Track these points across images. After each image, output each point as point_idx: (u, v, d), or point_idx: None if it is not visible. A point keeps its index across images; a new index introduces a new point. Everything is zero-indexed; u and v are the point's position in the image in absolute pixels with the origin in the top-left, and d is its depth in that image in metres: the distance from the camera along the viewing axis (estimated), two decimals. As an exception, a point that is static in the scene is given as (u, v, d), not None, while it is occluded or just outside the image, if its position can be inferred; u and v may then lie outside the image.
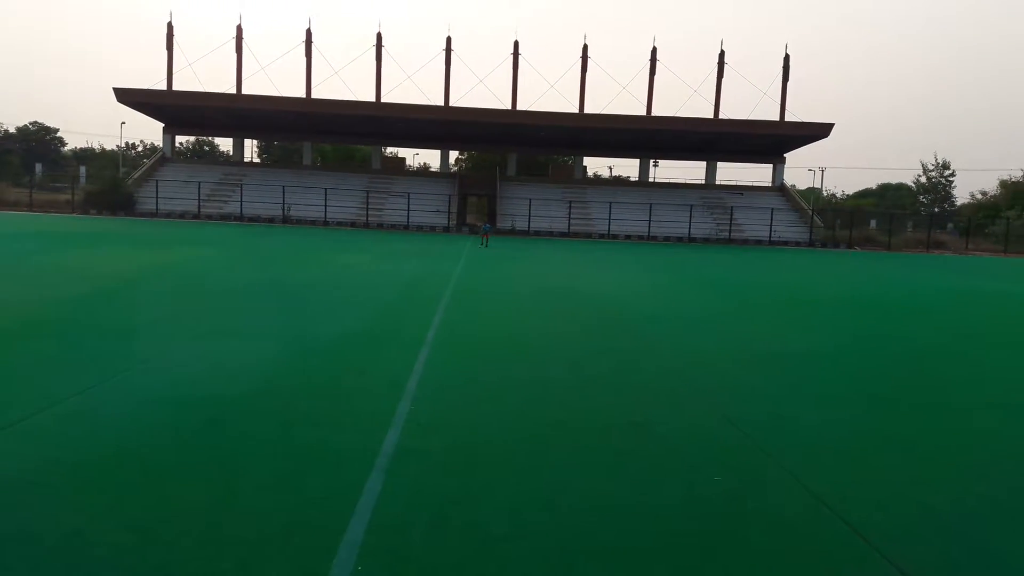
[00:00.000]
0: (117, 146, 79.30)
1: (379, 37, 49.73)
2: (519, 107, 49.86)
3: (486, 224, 34.49)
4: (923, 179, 73.57)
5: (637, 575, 2.96)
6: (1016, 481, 4.31)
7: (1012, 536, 3.51)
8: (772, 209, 47.80)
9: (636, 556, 3.12)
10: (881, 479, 4.23)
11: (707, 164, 55.53)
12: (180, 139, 65.56)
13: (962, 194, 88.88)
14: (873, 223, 56.85)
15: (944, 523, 3.63)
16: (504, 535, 3.29)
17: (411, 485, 3.81)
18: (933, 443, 5.05)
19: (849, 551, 3.27)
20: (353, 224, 45.72)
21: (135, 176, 50.34)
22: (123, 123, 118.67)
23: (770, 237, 46.76)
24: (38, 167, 65.50)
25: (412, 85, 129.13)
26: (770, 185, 54.90)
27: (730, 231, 47.61)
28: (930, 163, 73.29)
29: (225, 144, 76.29)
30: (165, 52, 49.36)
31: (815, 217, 49.25)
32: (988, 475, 4.40)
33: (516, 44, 50.18)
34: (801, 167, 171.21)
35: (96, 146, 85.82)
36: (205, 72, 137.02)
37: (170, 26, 49.30)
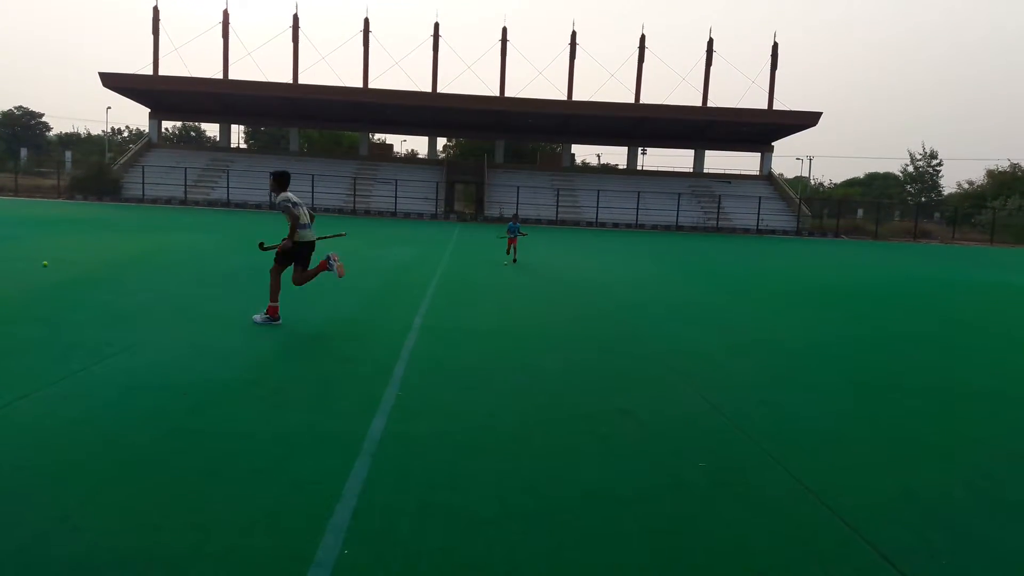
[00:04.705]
0: (103, 131, 78.48)
1: (366, 23, 49.40)
2: (507, 94, 49.74)
3: (513, 221, 17.57)
4: (910, 168, 74.01)
5: (621, 559, 2.99)
6: (998, 467, 4.37)
7: (993, 521, 3.56)
8: (760, 198, 48.03)
9: (621, 541, 3.15)
10: (864, 465, 4.28)
11: (695, 152, 55.62)
12: (167, 124, 65.01)
13: (949, 183, 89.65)
14: (860, 212, 57.19)
15: (926, 508, 3.68)
16: (490, 519, 3.31)
17: (398, 470, 3.82)
18: (916, 429, 5.11)
19: (832, 535, 3.31)
20: (340, 210, 45.53)
21: (121, 161, 49.94)
22: (109, 108, 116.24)
23: (757, 226, 46.97)
24: (23, 152, 64.78)
25: (400, 71, 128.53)
26: (758, 174, 55.11)
27: (718, 219, 47.79)
28: (917, 152, 73.79)
29: (212, 130, 75.77)
30: (151, 37, 48.91)
31: (802, 206, 49.46)
32: (971, 461, 4.46)
33: (504, 31, 50.02)
34: (789, 156, 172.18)
35: (82, 131, 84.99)
36: (192, 57, 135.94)
37: (156, 10, 48.76)
